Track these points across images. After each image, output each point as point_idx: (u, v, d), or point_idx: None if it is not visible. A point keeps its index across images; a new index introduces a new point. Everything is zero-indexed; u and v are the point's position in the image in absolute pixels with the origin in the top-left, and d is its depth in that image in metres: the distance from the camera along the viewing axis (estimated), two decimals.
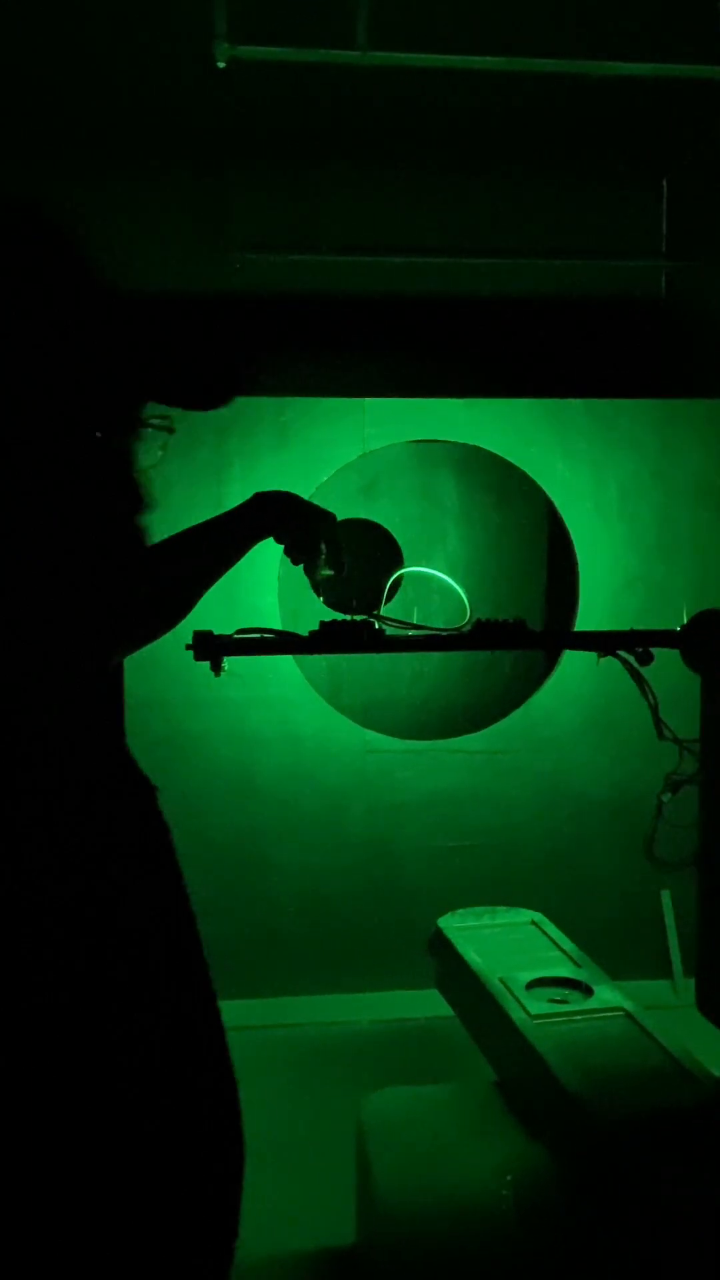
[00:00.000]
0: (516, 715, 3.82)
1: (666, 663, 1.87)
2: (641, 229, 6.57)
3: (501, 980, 2.32)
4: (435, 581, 5.65)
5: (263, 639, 1.81)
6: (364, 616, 1.78)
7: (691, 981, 3.77)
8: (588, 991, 2.25)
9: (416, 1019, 3.64)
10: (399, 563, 5.66)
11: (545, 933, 2.63)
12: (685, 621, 1.71)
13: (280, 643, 1.83)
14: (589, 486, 3.78)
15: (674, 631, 1.69)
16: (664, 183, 6.58)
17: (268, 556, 3.68)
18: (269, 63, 3.69)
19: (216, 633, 1.86)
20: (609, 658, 1.80)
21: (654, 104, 5.01)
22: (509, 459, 3.80)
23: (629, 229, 6.52)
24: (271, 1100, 3.21)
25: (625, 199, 6.48)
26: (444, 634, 1.79)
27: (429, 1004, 3.68)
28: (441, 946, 2.63)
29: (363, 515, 5.56)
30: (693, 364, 6.21)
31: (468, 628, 1.74)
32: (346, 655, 5.41)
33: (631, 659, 1.75)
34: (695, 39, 3.75)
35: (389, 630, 1.83)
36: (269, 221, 5.70)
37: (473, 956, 2.48)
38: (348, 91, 4.75)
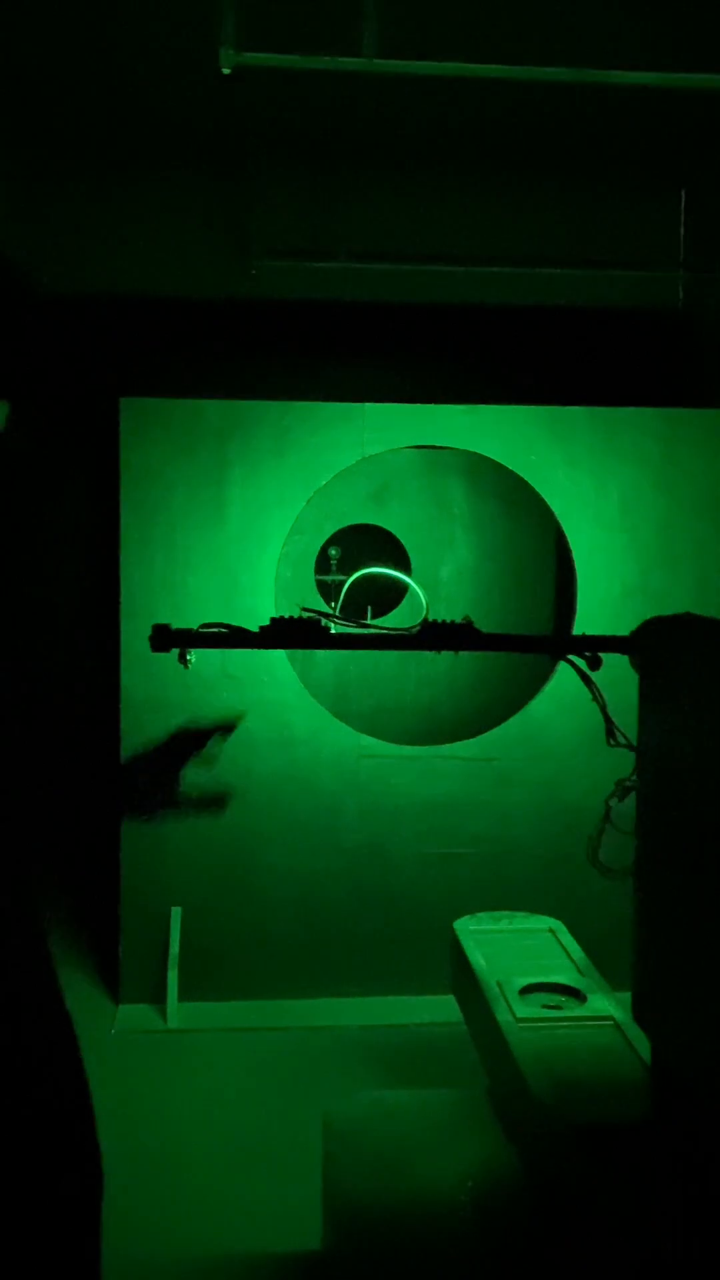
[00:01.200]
0: (512, 723, 3.80)
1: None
2: (659, 239, 6.55)
3: (499, 984, 2.32)
4: (443, 573, 5.64)
5: (217, 633, 1.85)
6: (314, 615, 1.80)
7: None
8: (581, 999, 2.25)
9: (407, 1024, 3.63)
10: (406, 568, 5.64)
11: (559, 940, 2.62)
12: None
13: (233, 637, 1.88)
14: (590, 495, 3.77)
15: (623, 638, 1.69)
16: (682, 193, 6.56)
17: (266, 562, 3.70)
18: (280, 71, 3.71)
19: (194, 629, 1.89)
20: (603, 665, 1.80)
21: (672, 115, 5.00)
22: (509, 466, 3.79)
23: (647, 239, 6.50)
24: (260, 1101, 3.22)
25: (644, 209, 6.47)
26: (390, 633, 1.79)
27: (419, 1010, 3.68)
28: (454, 948, 2.64)
29: (372, 521, 5.59)
30: (710, 373, 6.18)
31: (416, 628, 1.75)
32: (353, 663, 5.43)
33: (582, 663, 1.74)
34: (711, 50, 3.74)
35: (335, 628, 1.86)
36: (286, 228, 5.72)
37: (477, 959, 2.48)
38: (364, 100, 4.78)
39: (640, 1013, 1.75)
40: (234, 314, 5.15)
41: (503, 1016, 2.17)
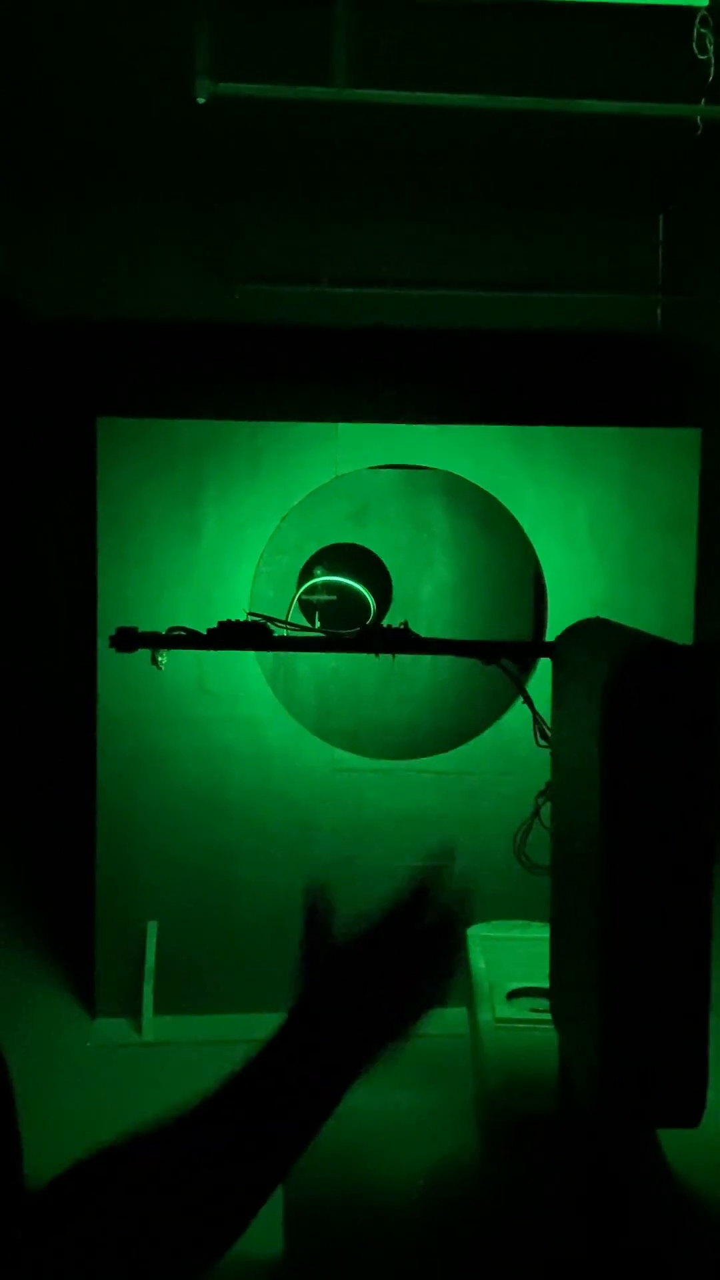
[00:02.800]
0: (485, 736, 3.85)
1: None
2: (638, 264, 6.66)
3: (491, 986, 2.37)
4: (424, 593, 5.70)
5: (172, 636, 1.96)
6: (260, 619, 1.89)
7: None
8: None
9: None
10: (387, 587, 5.69)
11: None
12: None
13: (187, 639, 2.01)
14: (558, 514, 3.83)
15: (543, 643, 1.75)
16: (660, 218, 6.67)
17: (242, 579, 3.75)
18: (257, 100, 3.80)
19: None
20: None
21: (649, 141, 5.10)
22: (481, 485, 3.85)
23: (625, 263, 6.61)
24: None
25: (621, 234, 6.58)
26: (330, 636, 1.86)
27: None
28: (461, 953, 2.68)
29: (354, 541, 5.65)
30: (688, 395, 6.26)
31: (355, 632, 1.82)
32: (334, 682, 5.48)
33: (513, 668, 1.81)
34: (683, 79, 3.83)
35: (278, 631, 1.96)
36: (268, 254, 5.82)
37: (478, 963, 2.53)
38: (342, 129, 4.87)
39: (553, 1010, 1.80)
40: (213, 337, 5.23)
41: (484, 1017, 2.22)
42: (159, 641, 1.97)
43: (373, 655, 1.90)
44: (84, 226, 5.34)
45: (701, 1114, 1.40)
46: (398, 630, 1.70)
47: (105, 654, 3.74)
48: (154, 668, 2.14)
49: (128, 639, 2.02)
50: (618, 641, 1.59)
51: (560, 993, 1.77)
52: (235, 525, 3.75)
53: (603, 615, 3.81)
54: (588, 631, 1.75)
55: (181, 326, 5.42)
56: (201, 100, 3.58)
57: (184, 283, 5.56)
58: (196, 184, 5.54)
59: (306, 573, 5.59)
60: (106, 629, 3.76)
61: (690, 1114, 1.39)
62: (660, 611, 3.83)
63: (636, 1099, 1.40)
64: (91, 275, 5.23)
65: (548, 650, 1.75)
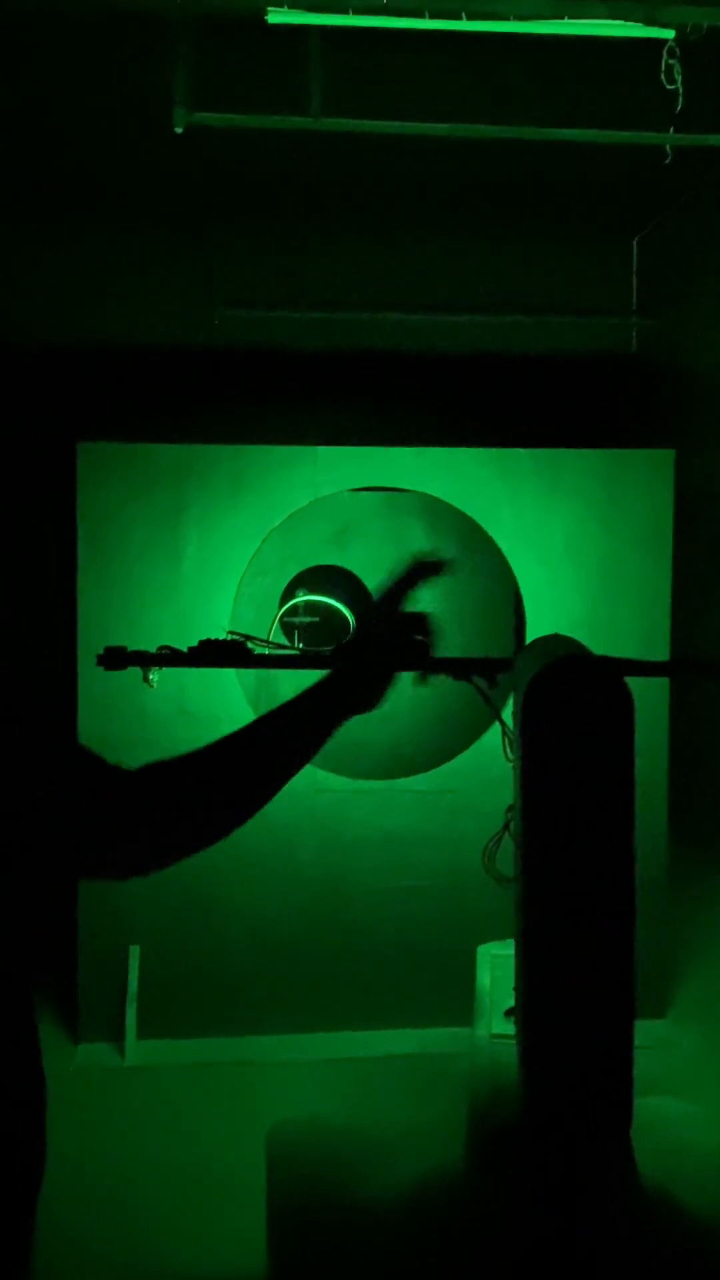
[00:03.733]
0: (467, 754, 3.88)
1: None
2: (613, 287, 6.76)
3: (492, 1003, 2.39)
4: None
5: (160, 654, 2.05)
6: (239, 638, 1.94)
7: (657, 1022, 3.80)
8: None
9: (365, 1059, 3.66)
10: (369, 607, 5.73)
11: None
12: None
13: (171, 657, 2.06)
14: (536, 534, 3.88)
15: (507, 659, 1.81)
16: (634, 242, 6.78)
17: (223, 601, 3.78)
18: (236, 130, 3.86)
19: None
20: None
21: (623, 168, 5.19)
22: (458, 506, 3.90)
23: (600, 288, 6.70)
24: (219, 1137, 3.23)
25: (597, 258, 6.68)
26: (301, 654, 1.90)
27: (378, 1044, 3.71)
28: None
29: (335, 562, 5.69)
30: (662, 416, 6.34)
31: (329, 650, 1.88)
32: None
33: (482, 683, 1.84)
34: (653, 108, 3.92)
35: (257, 649, 2.01)
36: (249, 279, 5.87)
37: (484, 980, 2.56)
38: (320, 157, 4.94)
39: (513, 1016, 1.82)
40: (193, 361, 5.27)
41: (480, 1032, 2.24)
42: (147, 660, 2.02)
43: None
44: (65, 252, 5.39)
45: (628, 1124, 1.42)
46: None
47: (86, 677, 3.75)
48: (146, 685, 2.20)
49: (116, 658, 2.07)
50: (550, 655, 1.64)
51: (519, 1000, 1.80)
52: (216, 548, 3.78)
53: (580, 633, 3.85)
54: (541, 647, 1.80)
55: (161, 351, 5.46)
56: (179, 130, 3.64)
57: (164, 307, 5.61)
58: (177, 210, 5.60)
59: (288, 594, 5.62)
60: (87, 653, 3.77)
61: (616, 1125, 1.41)
62: (637, 629, 3.87)
63: (561, 1109, 1.42)
64: (71, 300, 5.26)
65: (507, 666, 1.80)
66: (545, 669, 1.42)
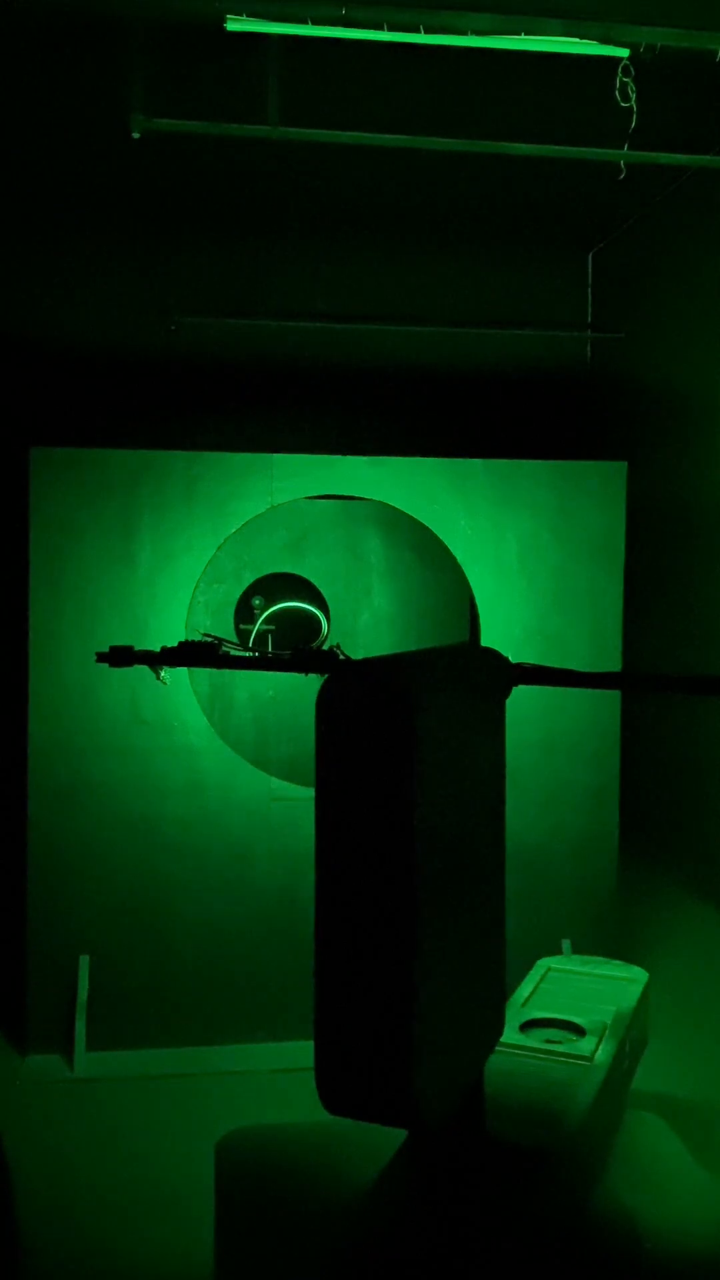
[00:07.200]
0: None
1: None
2: (568, 302, 6.85)
3: (518, 1014, 2.42)
4: (361, 621, 5.75)
5: (147, 654, 2.14)
6: (213, 640, 1.99)
7: None
8: (580, 1035, 2.37)
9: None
10: (326, 615, 5.73)
11: (628, 990, 2.67)
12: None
13: (152, 656, 2.15)
14: (490, 544, 3.90)
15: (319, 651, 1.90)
16: (589, 258, 6.87)
17: (177, 607, 3.76)
18: (194, 138, 3.86)
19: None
20: None
21: (578, 184, 5.26)
22: (415, 516, 3.91)
23: (555, 302, 6.79)
24: (169, 1149, 3.20)
25: (552, 273, 6.76)
26: (269, 657, 1.92)
27: None
28: None
29: (292, 570, 5.69)
30: (615, 429, 6.42)
31: (288, 654, 1.92)
32: (271, 710, 5.50)
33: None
34: (607, 125, 3.98)
35: (233, 652, 2.05)
36: (203, 287, 5.87)
37: (523, 991, 2.58)
38: (277, 168, 4.95)
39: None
40: (148, 368, 5.26)
41: None
42: (150, 658, 2.08)
43: (312, 682, 1.99)
44: (19, 258, 5.34)
45: (415, 1115, 1.47)
46: (326, 652, 1.75)
47: (36, 684, 3.72)
48: (159, 683, 2.28)
49: (122, 657, 2.15)
50: (342, 665, 1.69)
51: None
52: (170, 554, 3.76)
53: (534, 642, 3.89)
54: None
55: (117, 357, 5.43)
56: (136, 135, 3.63)
57: (119, 314, 5.58)
58: (134, 217, 5.58)
59: (244, 602, 5.61)
60: (38, 658, 3.75)
61: (403, 1113, 1.46)
62: (589, 638, 3.91)
63: (347, 1094, 1.47)
64: (26, 305, 5.22)
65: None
66: (328, 679, 1.50)
